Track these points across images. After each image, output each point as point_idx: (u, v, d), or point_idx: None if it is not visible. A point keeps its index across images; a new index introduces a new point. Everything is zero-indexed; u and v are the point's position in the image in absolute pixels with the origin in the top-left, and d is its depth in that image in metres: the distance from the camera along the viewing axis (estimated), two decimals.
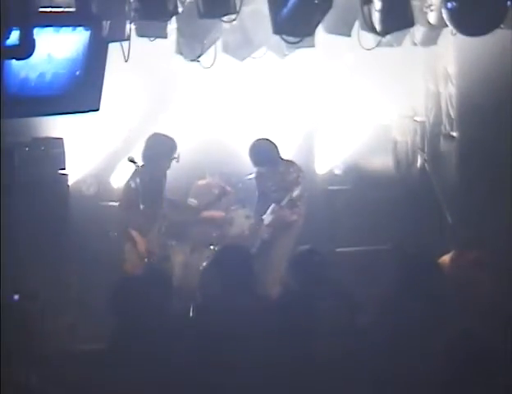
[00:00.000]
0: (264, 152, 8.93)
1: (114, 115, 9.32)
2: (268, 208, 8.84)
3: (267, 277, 8.30)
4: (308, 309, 5.91)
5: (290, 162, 9.01)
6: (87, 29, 6.86)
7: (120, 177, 9.81)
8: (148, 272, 7.52)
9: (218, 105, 10.33)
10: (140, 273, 7.62)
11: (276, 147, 8.97)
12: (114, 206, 9.49)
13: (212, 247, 9.28)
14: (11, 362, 5.59)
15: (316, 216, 9.50)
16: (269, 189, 8.97)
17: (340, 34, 8.18)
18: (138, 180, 8.50)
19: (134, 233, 8.51)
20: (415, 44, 8.94)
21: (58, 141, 8.40)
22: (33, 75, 6.64)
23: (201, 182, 10.12)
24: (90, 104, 7.18)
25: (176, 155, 8.65)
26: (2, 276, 7.09)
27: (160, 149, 8.63)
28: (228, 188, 9.95)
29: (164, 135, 8.75)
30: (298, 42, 7.31)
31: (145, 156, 8.63)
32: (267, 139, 8.97)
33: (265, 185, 8.99)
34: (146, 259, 8.60)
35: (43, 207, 8.08)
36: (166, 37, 8.04)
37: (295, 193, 8.74)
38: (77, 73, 6.95)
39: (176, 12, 7.32)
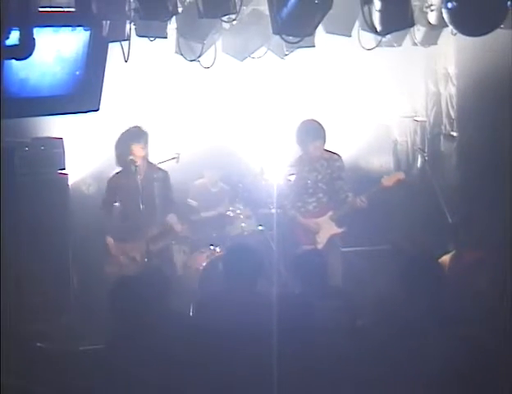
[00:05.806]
0: (316, 128, 8.67)
1: (114, 115, 9.32)
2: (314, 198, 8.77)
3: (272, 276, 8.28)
4: (308, 308, 5.91)
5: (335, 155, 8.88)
6: (87, 30, 6.84)
7: None
8: (147, 272, 7.53)
9: (218, 105, 10.34)
10: (140, 273, 7.62)
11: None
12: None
13: (212, 247, 9.27)
14: (10, 362, 5.60)
15: None
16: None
17: (340, 34, 8.18)
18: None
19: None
20: (415, 44, 8.94)
21: (58, 141, 8.39)
22: (33, 76, 6.62)
23: (198, 182, 10.14)
24: (90, 104, 7.16)
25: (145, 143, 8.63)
26: (2, 276, 7.09)
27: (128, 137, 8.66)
28: (225, 186, 9.96)
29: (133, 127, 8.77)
30: (298, 42, 7.29)
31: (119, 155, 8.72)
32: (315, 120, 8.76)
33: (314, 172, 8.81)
34: (146, 259, 8.60)
35: (43, 207, 8.08)
36: (166, 37, 8.05)
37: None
38: (77, 73, 6.93)
39: (176, 12, 7.33)
